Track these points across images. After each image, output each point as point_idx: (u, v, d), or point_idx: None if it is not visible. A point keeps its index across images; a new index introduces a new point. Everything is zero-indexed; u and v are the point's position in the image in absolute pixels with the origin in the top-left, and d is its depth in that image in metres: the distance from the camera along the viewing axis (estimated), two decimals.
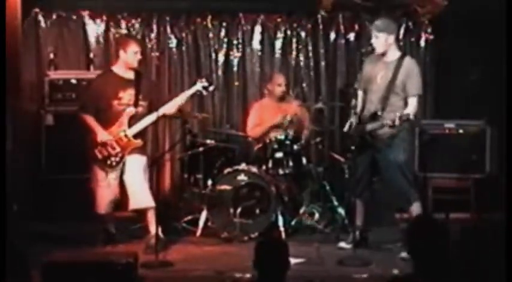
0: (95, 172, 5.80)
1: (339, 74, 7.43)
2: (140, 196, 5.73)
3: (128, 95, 5.77)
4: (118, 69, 5.86)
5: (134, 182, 5.73)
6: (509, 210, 4.66)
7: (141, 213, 5.85)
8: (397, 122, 5.21)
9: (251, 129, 6.83)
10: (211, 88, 5.94)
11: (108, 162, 5.73)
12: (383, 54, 5.66)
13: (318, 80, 7.45)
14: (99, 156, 5.74)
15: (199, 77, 6.21)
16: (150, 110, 5.80)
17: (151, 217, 5.77)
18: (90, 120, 5.78)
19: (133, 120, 5.76)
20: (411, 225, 3.24)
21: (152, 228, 5.74)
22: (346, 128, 5.64)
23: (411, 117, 5.26)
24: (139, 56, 5.82)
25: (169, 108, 5.79)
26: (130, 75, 5.83)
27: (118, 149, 5.72)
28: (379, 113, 5.47)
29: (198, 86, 5.85)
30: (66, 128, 6.48)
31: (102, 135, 5.72)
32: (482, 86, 7.03)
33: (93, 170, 5.81)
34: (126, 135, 5.73)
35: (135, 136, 5.75)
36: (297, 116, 6.68)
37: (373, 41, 5.64)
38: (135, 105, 5.77)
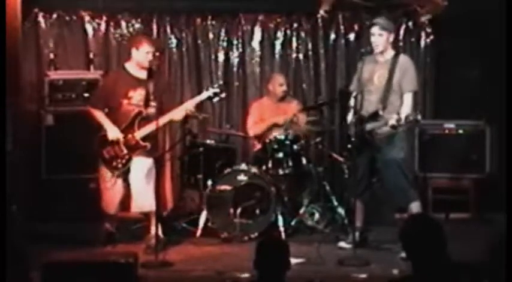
0: (101, 172, 5.79)
1: (339, 74, 7.43)
2: (143, 200, 5.68)
3: (138, 95, 5.72)
4: (130, 67, 5.81)
5: (138, 185, 5.70)
6: (509, 210, 4.67)
7: (143, 214, 5.87)
8: (402, 122, 5.22)
9: (251, 128, 6.84)
10: (222, 95, 5.83)
11: (115, 163, 5.71)
12: (380, 54, 5.67)
13: (318, 80, 7.45)
14: (107, 156, 5.73)
15: (212, 83, 6.26)
16: (160, 112, 5.62)
17: (152, 219, 5.76)
18: (101, 115, 5.76)
19: (143, 121, 5.70)
20: (404, 224, 3.23)
21: (153, 228, 5.72)
22: (350, 131, 5.64)
23: (419, 117, 5.28)
24: (150, 57, 5.72)
25: (178, 112, 5.73)
26: (143, 74, 5.76)
27: (125, 151, 5.70)
28: (381, 113, 5.47)
29: (210, 92, 5.78)
30: (66, 128, 6.49)
31: (112, 131, 5.69)
32: (482, 86, 7.03)
33: (100, 170, 5.80)
34: (134, 137, 5.70)
35: (143, 139, 5.71)
36: (297, 116, 6.68)
37: (376, 39, 5.63)
38: (146, 106, 5.73)
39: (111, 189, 5.73)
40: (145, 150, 5.71)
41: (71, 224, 6.22)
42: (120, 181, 5.74)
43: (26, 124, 6.47)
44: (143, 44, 5.73)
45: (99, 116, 5.76)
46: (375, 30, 5.63)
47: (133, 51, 5.74)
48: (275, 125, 6.62)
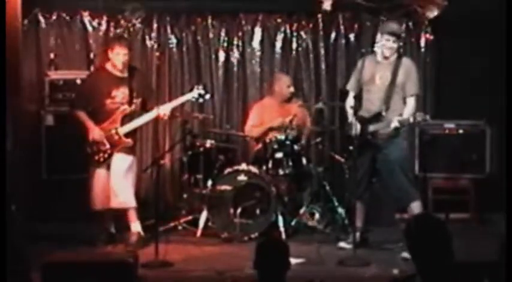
0: (86, 168, 5.91)
1: (339, 74, 7.42)
2: (123, 196, 5.79)
3: (121, 94, 5.86)
4: (111, 67, 5.94)
5: (117, 181, 5.79)
6: (509, 210, 4.66)
7: (123, 211, 5.91)
8: (410, 122, 5.25)
9: (249, 130, 6.82)
10: (207, 96, 5.99)
11: (96, 157, 5.83)
12: (385, 57, 5.65)
13: (318, 80, 7.44)
14: (89, 151, 5.83)
15: (197, 84, 6.22)
16: (143, 109, 5.91)
17: (132, 216, 5.87)
18: (83, 116, 5.88)
19: (126, 118, 5.86)
20: (410, 223, 3.22)
21: (133, 226, 5.85)
22: (351, 131, 5.62)
23: (427, 117, 5.29)
24: (124, 58, 5.87)
25: (163, 111, 5.84)
26: (124, 73, 5.90)
27: (108, 146, 5.81)
28: (384, 113, 5.48)
29: (195, 92, 5.92)
30: (66, 128, 6.48)
31: (94, 132, 5.81)
32: (482, 86, 7.03)
33: (85, 165, 5.92)
34: (117, 133, 5.80)
35: (126, 135, 5.83)
36: (298, 116, 6.67)
37: (384, 43, 5.60)
38: (129, 103, 5.85)
39: (95, 185, 5.83)
40: (127, 148, 5.84)
41: (71, 224, 6.23)
42: (102, 176, 5.81)
43: (26, 124, 6.45)
44: (115, 48, 5.86)
45: (82, 116, 5.88)
46: (388, 37, 5.59)
47: (109, 53, 5.90)
48: (271, 129, 6.60)
